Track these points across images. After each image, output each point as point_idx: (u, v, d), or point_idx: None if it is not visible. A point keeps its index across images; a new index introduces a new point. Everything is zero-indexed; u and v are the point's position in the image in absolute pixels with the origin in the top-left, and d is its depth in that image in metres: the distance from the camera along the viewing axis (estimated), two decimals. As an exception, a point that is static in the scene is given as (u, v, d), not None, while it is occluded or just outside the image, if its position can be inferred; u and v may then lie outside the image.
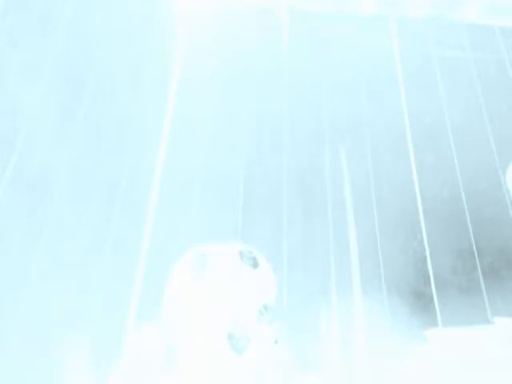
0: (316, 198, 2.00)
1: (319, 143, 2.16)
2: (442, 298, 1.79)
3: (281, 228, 1.92)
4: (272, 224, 1.93)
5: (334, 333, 1.68)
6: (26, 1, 2.32)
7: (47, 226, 1.83)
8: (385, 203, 1.99)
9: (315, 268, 1.83)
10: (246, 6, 2.53)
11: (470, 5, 2.56)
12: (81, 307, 1.71)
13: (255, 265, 1.64)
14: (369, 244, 1.89)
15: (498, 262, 1.88)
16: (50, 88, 2.15)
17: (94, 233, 1.85)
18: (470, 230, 1.95)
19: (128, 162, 2.04)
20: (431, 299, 1.79)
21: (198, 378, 1.41)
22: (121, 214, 1.91)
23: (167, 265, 1.82)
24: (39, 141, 2.00)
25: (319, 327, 1.71)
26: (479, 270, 1.86)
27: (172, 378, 1.42)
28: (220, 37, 2.42)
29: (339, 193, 2.01)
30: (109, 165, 2.02)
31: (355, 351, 1.64)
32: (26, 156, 1.96)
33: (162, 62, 2.32)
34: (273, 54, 2.41)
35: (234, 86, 2.29)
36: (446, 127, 2.23)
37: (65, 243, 1.82)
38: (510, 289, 1.82)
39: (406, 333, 1.69)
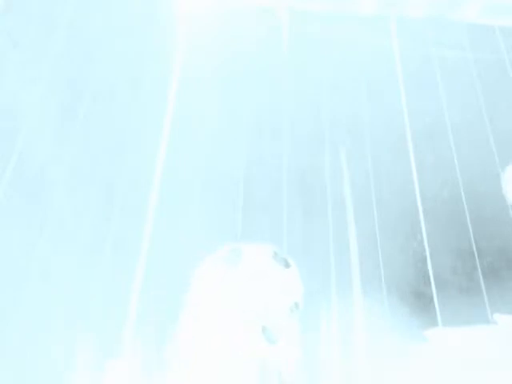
0: (316, 198, 2.00)
1: (319, 143, 2.16)
2: (442, 297, 1.79)
3: (281, 228, 1.92)
4: (272, 224, 1.93)
5: (334, 333, 1.68)
6: (26, 1, 2.32)
7: (47, 226, 1.83)
8: (385, 203, 1.99)
9: (315, 268, 1.83)
10: (246, 5, 2.53)
11: (469, 5, 2.56)
12: (81, 307, 1.71)
13: (287, 265, 1.71)
14: (369, 244, 1.89)
15: (498, 261, 1.88)
16: (50, 88, 2.15)
17: (94, 233, 1.86)
18: (470, 230, 1.95)
19: (128, 162, 2.04)
20: (431, 299, 1.79)
21: (231, 364, 1.44)
22: (121, 214, 1.91)
23: (167, 265, 1.82)
24: (39, 141, 2.00)
25: (319, 327, 1.71)
26: (479, 269, 1.86)
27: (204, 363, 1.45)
28: (220, 37, 2.42)
29: (339, 193, 2.01)
30: (109, 165, 2.02)
31: (355, 351, 1.64)
32: (25, 156, 1.96)
33: (162, 61, 2.32)
34: (273, 53, 2.41)
35: (234, 86, 2.29)
36: (446, 127, 2.23)
37: (65, 243, 1.82)
38: (510, 288, 1.82)
39: (406, 333, 1.69)
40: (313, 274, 1.82)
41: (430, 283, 1.82)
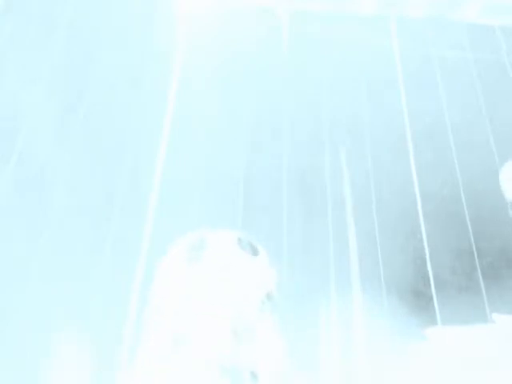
0: (316, 197, 2.00)
1: (319, 143, 2.17)
2: (441, 297, 1.79)
3: (281, 228, 1.92)
4: (272, 224, 1.93)
5: (334, 332, 1.68)
6: (26, 1, 2.32)
7: (47, 226, 1.83)
8: (385, 203, 2.00)
9: (315, 267, 1.83)
10: (246, 5, 2.53)
11: (469, 5, 2.56)
12: (80, 307, 1.71)
13: (255, 252, 1.60)
14: (368, 244, 1.89)
15: (498, 261, 1.89)
16: (50, 88, 2.15)
17: (94, 233, 1.86)
18: (470, 230, 1.95)
19: (128, 161, 2.04)
20: (431, 298, 1.79)
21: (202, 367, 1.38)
22: (121, 214, 1.91)
23: (167, 265, 1.82)
24: (39, 141, 2.00)
25: (318, 326, 1.71)
26: (479, 269, 1.86)
27: (177, 365, 1.39)
28: (220, 37, 2.42)
29: (339, 193, 2.01)
30: (109, 165, 2.02)
31: (355, 350, 1.65)
32: (26, 156, 1.97)
33: (162, 62, 2.32)
34: (273, 54, 2.42)
35: (234, 85, 2.30)
36: (445, 127, 2.23)
37: (65, 243, 1.82)
38: (510, 288, 1.82)
39: (406, 332, 1.69)
40: (312, 273, 1.82)
41: (429, 283, 1.82)
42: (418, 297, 1.79)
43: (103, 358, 1.63)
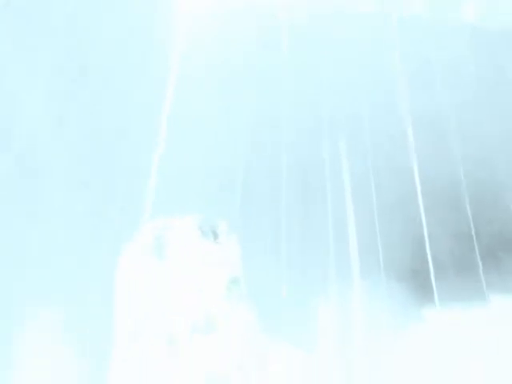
0: (315, 184, 1.99)
1: (319, 144, 2.17)
2: (439, 279, 1.77)
3: (280, 215, 1.90)
4: (271, 212, 1.91)
5: (333, 316, 1.67)
6: (27, 1, 2.32)
7: (47, 227, 1.83)
8: (384, 187, 1.97)
9: (314, 253, 1.81)
10: (246, 6, 2.53)
11: (470, 5, 2.57)
12: (80, 307, 1.71)
13: (215, 237, 1.56)
14: (368, 228, 1.87)
15: (496, 244, 1.87)
16: (50, 88, 2.15)
17: (94, 232, 1.85)
18: (469, 214, 1.93)
19: (127, 161, 2.04)
20: (429, 281, 1.77)
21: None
22: (121, 214, 1.91)
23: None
24: (39, 140, 2.01)
25: (319, 314, 1.69)
26: (477, 251, 1.84)
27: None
28: (220, 36, 2.43)
29: (338, 178, 1.99)
30: (108, 164, 2.02)
31: (354, 333, 1.63)
32: (25, 156, 1.97)
33: (161, 61, 2.32)
34: (273, 54, 2.42)
35: (234, 85, 2.30)
36: (446, 127, 2.23)
37: (64, 243, 1.82)
38: (507, 270, 1.80)
39: (404, 314, 1.67)
40: (312, 259, 1.80)
41: (428, 265, 1.81)
42: (416, 279, 1.77)
43: (103, 360, 1.63)
